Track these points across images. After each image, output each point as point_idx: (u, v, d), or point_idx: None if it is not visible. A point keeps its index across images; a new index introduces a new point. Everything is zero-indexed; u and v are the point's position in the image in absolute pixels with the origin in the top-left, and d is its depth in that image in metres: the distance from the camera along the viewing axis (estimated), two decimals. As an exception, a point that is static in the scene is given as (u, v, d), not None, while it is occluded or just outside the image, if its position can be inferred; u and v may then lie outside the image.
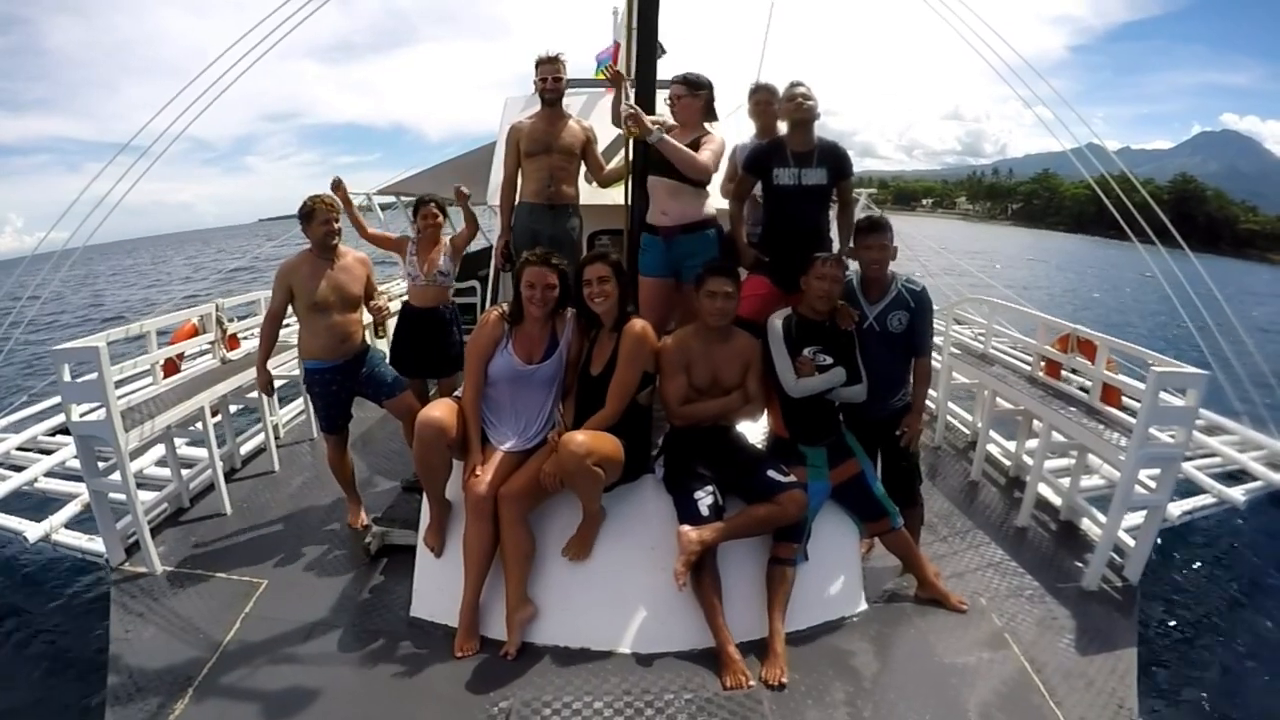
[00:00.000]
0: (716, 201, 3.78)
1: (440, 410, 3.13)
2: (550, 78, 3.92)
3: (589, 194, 4.31)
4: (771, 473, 3.15)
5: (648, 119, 3.38)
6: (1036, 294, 22.60)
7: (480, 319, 3.36)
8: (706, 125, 3.63)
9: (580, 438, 2.93)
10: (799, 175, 3.50)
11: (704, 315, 3.21)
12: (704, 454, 3.25)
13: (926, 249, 9.64)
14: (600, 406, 3.14)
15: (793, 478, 3.16)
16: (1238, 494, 4.19)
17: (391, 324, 4.45)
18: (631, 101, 3.50)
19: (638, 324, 3.16)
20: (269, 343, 3.92)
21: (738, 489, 3.21)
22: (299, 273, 3.74)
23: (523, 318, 3.21)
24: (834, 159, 3.54)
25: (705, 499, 3.08)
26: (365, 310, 4.00)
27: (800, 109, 3.45)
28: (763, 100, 4.02)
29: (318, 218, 3.74)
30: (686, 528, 2.97)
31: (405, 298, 4.49)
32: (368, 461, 4.91)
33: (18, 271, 5.41)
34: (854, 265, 3.55)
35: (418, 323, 4.39)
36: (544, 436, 3.22)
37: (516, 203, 4.07)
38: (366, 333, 4.04)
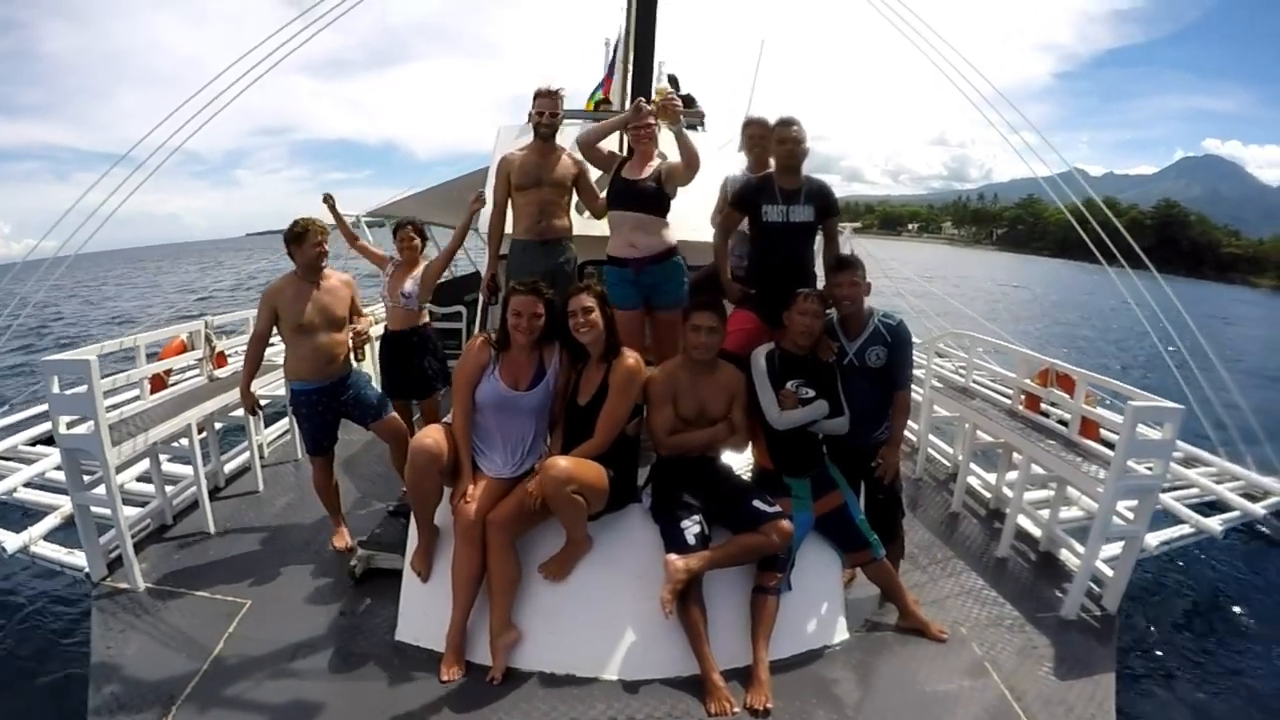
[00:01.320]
0: (699, 235, 3.82)
1: (433, 436, 3.14)
2: (548, 112, 3.88)
3: (576, 225, 4.29)
4: (757, 503, 3.20)
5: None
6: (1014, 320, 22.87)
7: (467, 345, 3.39)
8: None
9: (563, 463, 2.97)
10: (787, 212, 3.56)
11: (689, 348, 3.27)
12: (690, 484, 3.29)
13: (909, 278, 9.80)
14: (588, 435, 3.18)
15: (778, 508, 3.20)
16: (1215, 524, 4.26)
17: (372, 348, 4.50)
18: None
19: (630, 357, 3.22)
20: (254, 364, 3.93)
21: (723, 519, 3.25)
22: (284, 295, 3.77)
23: (509, 345, 3.25)
24: (821, 197, 3.61)
25: (692, 528, 3.11)
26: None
27: (791, 155, 3.54)
28: (756, 134, 4.06)
29: (310, 240, 3.76)
30: (673, 556, 3.00)
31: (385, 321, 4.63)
32: (354, 484, 4.90)
33: (5, 279, 5.39)
34: None
35: (392, 345, 4.53)
36: (533, 465, 3.25)
37: (510, 238, 4.05)
38: (352, 355, 4.06)
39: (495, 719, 2.76)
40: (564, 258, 4.01)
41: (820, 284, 3.63)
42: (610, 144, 3.99)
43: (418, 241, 4.48)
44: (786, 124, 3.56)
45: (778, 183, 3.58)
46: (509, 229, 4.08)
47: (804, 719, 2.84)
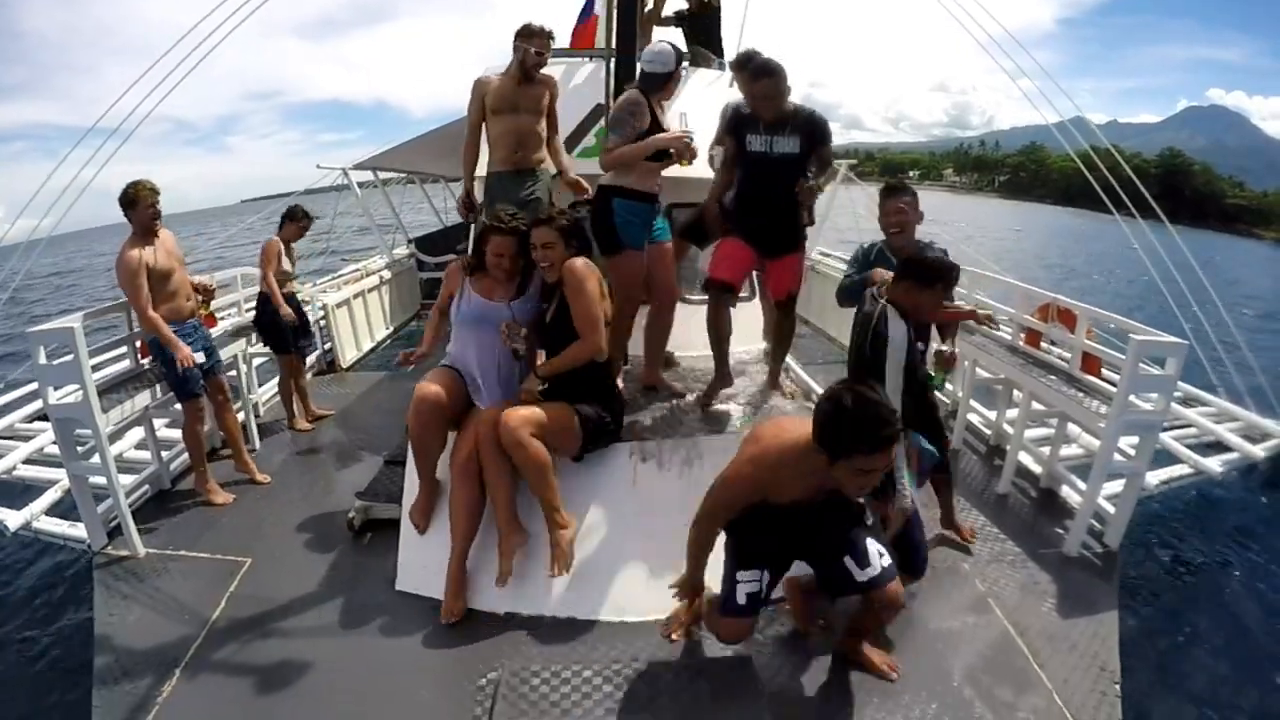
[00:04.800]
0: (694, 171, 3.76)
1: (436, 383, 3.16)
2: (537, 51, 3.75)
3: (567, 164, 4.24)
4: (850, 564, 2.55)
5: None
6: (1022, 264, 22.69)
7: (446, 272, 3.40)
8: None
9: (519, 414, 2.96)
10: (770, 143, 3.43)
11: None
12: (780, 533, 2.61)
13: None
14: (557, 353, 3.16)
15: (881, 564, 2.55)
16: (1214, 464, 4.25)
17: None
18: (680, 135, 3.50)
19: (577, 261, 3.10)
20: (165, 325, 3.96)
21: (812, 563, 2.78)
22: (145, 257, 3.89)
23: (483, 267, 3.25)
24: (809, 126, 3.43)
25: (747, 587, 2.60)
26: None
27: (767, 110, 3.39)
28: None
29: (143, 201, 3.88)
30: (706, 608, 2.82)
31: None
32: (349, 436, 4.91)
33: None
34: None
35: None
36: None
37: (486, 172, 3.97)
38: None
39: (498, 665, 2.77)
40: (534, 185, 3.93)
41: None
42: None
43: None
44: (762, 74, 3.35)
45: (763, 114, 3.43)
46: (484, 159, 4.01)
47: (806, 657, 2.85)
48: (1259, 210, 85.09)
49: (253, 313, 5.23)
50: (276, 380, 5.59)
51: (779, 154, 3.44)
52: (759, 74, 3.36)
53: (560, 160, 4.03)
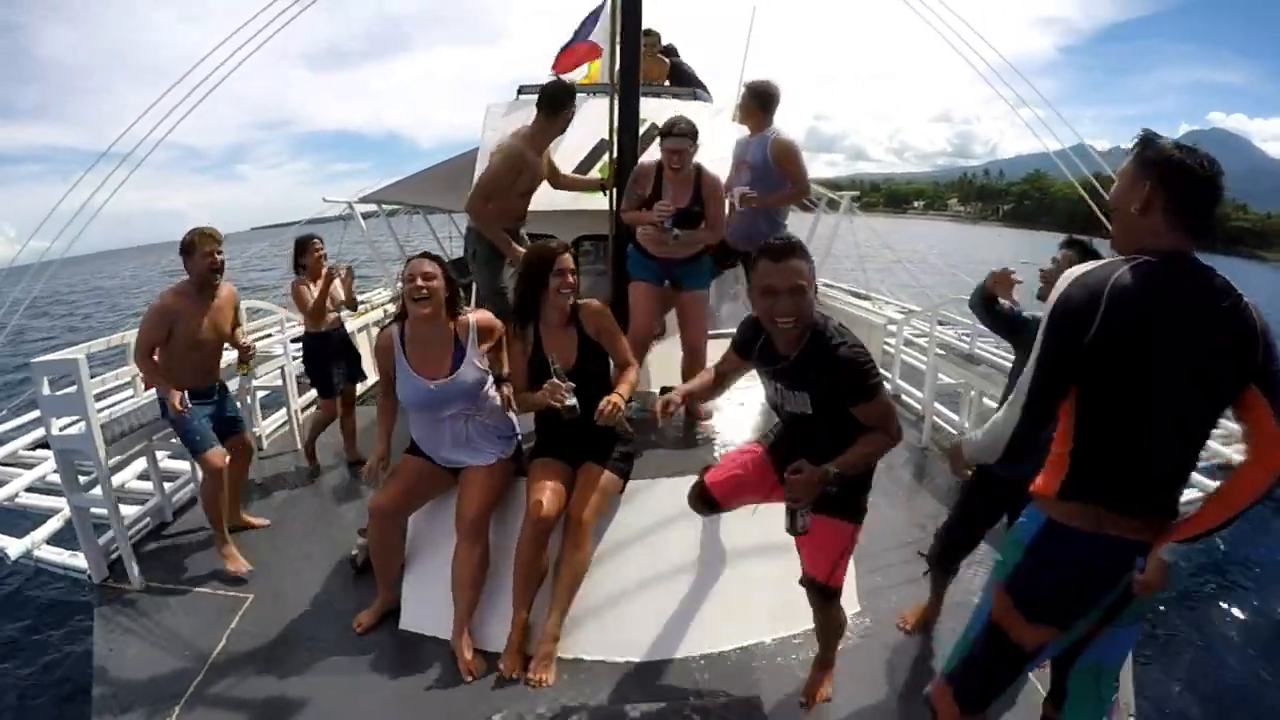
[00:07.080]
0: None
1: (391, 491, 3.15)
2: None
3: (571, 200, 4.30)
4: None
5: None
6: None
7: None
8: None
9: (592, 507, 3.00)
10: (780, 393, 2.43)
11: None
12: None
13: (916, 249, 9.75)
14: (580, 398, 3.00)
15: None
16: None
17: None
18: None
19: (593, 303, 3.14)
20: (161, 372, 3.69)
21: None
22: (184, 312, 3.65)
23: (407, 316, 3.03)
24: (825, 383, 2.27)
25: None
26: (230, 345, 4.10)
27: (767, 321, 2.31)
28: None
29: (199, 250, 3.63)
30: None
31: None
32: (353, 472, 4.88)
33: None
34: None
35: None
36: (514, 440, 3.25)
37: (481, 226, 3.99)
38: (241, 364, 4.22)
39: (503, 705, 2.72)
40: (523, 227, 4.08)
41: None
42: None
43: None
44: (786, 254, 2.18)
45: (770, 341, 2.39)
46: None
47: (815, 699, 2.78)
48: (1261, 233, 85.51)
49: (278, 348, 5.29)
50: (284, 411, 5.59)
51: (790, 412, 2.47)
52: (780, 255, 2.18)
53: (567, 182, 4.24)
